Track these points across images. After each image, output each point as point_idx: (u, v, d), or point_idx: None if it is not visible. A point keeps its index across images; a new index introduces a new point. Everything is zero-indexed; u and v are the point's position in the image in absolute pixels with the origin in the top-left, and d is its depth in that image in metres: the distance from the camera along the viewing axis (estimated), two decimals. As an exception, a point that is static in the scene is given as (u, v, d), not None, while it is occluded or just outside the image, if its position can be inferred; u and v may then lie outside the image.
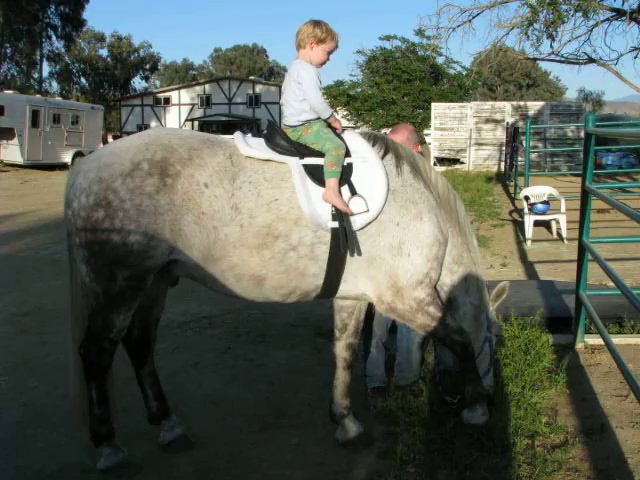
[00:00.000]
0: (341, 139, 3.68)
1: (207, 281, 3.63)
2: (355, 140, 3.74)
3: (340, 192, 3.53)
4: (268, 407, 4.57)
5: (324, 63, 3.76)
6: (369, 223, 3.57)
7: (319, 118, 3.70)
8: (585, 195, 5.28)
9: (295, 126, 3.69)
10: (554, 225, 11.48)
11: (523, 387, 4.39)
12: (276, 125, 3.74)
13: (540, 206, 11.43)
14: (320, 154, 3.61)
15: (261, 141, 3.67)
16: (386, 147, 3.80)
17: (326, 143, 3.61)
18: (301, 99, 3.65)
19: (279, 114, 59.07)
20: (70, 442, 4.07)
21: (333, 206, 3.49)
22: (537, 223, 11.43)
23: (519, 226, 12.19)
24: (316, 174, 3.55)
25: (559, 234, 11.21)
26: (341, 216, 3.49)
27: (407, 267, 3.65)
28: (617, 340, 5.24)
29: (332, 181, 3.51)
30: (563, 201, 11.33)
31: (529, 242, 10.92)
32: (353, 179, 3.61)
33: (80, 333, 3.70)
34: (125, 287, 3.48)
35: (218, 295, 6.64)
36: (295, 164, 3.55)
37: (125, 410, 4.28)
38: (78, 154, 31.38)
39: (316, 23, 3.67)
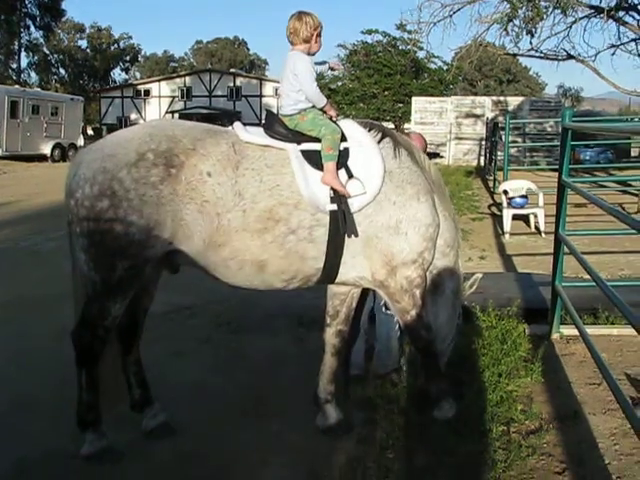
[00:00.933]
0: (337, 125, 3.79)
1: (209, 269, 3.70)
2: (351, 127, 3.87)
3: (338, 175, 3.64)
4: (249, 395, 4.63)
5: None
6: (367, 204, 3.69)
7: (314, 106, 3.80)
8: (561, 189, 5.38)
9: (292, 114, 3.79)
10: (532, 219, 11.62)
11: (500, 375, 4.48)
12: (274, 114, 3.85)
13: (518, 200, 11.59)
14: (317, 140, 3.72)
15: (260, 130, 3.78)
16: (383, 132, 3.94)
17: (322, 129, 3.72)
18: (297, 89, 3.76)
19: (259, 107, 58.99)
20: (54, 430, 4.09)
21: (331, 189, 3.60)
22: (516, 217, 11.57)
23: (498, 220, 12.30)
24: (313, 159, 3.67)
25: (537, 228, 11.35)
26: (339, 199, 3.60)
27: (403, 245, 3.77)
28: (591, 330, 5.35)
29: (330, 164, 3.63)
30: (541, 195, 11.46)
31: (507, 235, 11.06)
32: (350, 163, 3.73)
33: None
34: (124, 276, 3.54)
35: (199, 286, 6.70)
36: (293, 150, 3.67)
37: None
38: (57, 146, 31.30)
39: (311, 15, 3.77)
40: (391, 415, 4.12)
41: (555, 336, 5.55)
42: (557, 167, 5.56)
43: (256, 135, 3.73)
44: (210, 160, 3.54)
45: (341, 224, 3.62)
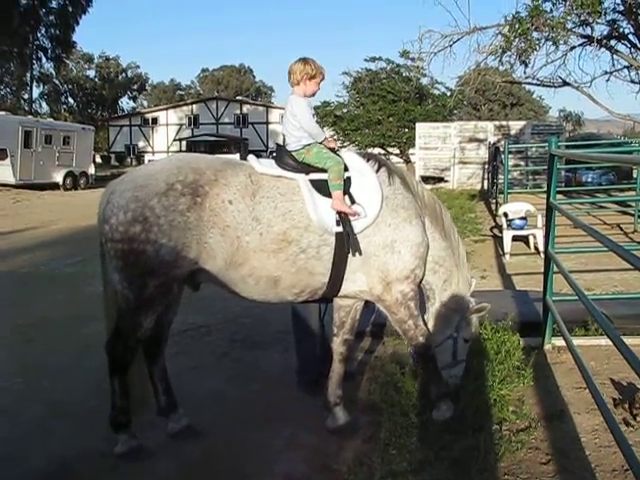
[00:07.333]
0: (339, 157, 4.25)
1: (229, 285, 4.14)
2: (352, 158, 4.34)
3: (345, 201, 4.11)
4: (264, 403, 5.02)
5: (316, 92, 4.34)
6: (367, 226, 4.13)
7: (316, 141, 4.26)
8: (550, 210, 5.81)
9: (298, 150, 4.24)
10: (532, 239, 11.97)
11: (493, 381, 4.87)
12: (284, 148, 4.30)
13: (518, 222, 11.97)
14: (323, 171, 4.17)
15: (272, 162, 4.26)
16: (379, 163, 4.40)
17: (327, 161, 4.17)
18: (298, 127, 4.22)
19: (266, 134, 59.78)
20: (87, 433, 4.51)
21: (337, 213, 4.05)
22: (516, 238, 11.92)
23: (499, 241, 12.64)
24: (321, 187, 4.12)
25: (536, 248, 11.67)
26: (344, 221, 4.05)
27: (397, 263, 4.22)
28: (582, 341, 5.74)
29: (338, 192, 4.09)
30: (540, 217, 11.79)
31: (508, 256, 11.41)
32: (352, 190, 4.18)
33: None
34: (154, 293, 3.97)
35: (211, 307, 7.17)
36: (302, 180, 4.13)
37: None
38: (69, 174, 31.97)
39: (305, 61, 4.24)
40: (393, 417, 4.51)
41: (547, 347, 5.92)
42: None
43: (269, 167, 4.20)
44: (231, 190, 3.99)
45: (346, 244, 4.07)
